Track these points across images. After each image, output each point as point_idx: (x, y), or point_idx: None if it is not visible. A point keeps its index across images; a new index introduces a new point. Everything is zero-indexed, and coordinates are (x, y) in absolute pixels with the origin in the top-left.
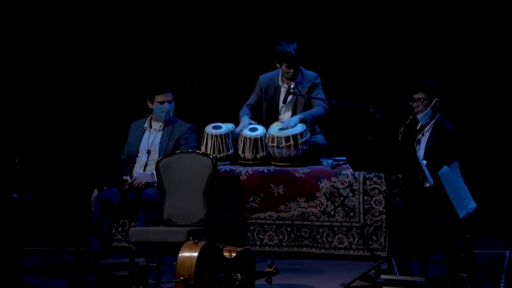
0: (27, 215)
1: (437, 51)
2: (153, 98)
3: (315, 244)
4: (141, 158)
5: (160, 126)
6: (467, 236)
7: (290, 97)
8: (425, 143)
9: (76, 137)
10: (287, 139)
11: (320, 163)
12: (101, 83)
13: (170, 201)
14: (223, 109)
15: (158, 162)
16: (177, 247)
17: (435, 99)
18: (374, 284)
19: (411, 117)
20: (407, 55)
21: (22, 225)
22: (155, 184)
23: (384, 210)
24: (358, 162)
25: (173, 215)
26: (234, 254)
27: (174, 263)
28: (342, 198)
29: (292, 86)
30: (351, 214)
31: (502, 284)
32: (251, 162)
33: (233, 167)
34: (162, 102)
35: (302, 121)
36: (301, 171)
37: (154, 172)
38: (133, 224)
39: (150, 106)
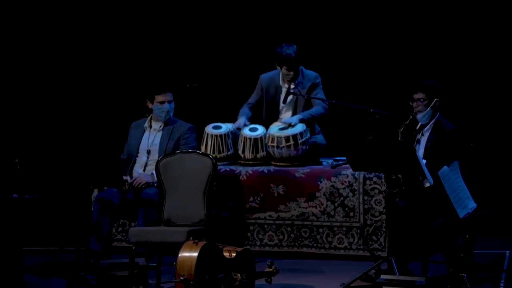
0: (27, 215)
1: (437, 51)
2: (153, 98)
3: (315, 244)
4: (141, 158)
5: (160, 126)
6: (467, 236)
7: (290, 97)
8: (424, 143)
9: (76, 137)
10: (287, 139)
11: (320, 163)
12: (101, 83)
13: (170, 201)
14: (223, 109)
15: (158, 162)
16: (177, 247)
17: (435, 99)
18: (374, 284)
19: (410, 117)
20: (407, 55)
21: (22, 225)
22: (155, 184)
23: (384, 210)
24: (358, 162)
25: (173, 215)
26: (234, 254)
27: (174, 263)
28: (342, 198)
29: (292, 86)
30: (351, 214)
31: (502, 284)
32: (251, 162)
33: (233, 167)
34: (162, 102)
35: (301, 121)
36: (301, 171)
37: (154, 172)
38: (133, 224)
39: (150, 106)
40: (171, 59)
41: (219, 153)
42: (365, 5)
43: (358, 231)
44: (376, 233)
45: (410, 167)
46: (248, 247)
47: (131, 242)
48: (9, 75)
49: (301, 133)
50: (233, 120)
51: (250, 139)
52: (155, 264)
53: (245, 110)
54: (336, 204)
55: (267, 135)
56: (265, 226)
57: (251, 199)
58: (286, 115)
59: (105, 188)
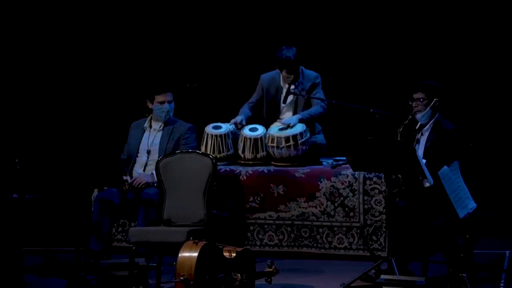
0: (27, 215)
1: (437, 51)
2: (153, 98)
3: (315, 244)
4: (141, 158)
5: (160, 126)
6: (467, 236)
7: (290, 97)
8: (424, 143)
9: (76, 137)
10: (287, 139)
11: (320, 163)
12: (101, 83)
13: (170, 201)
14: (223, 109)
15: (158, 162)
16: (177, 247)
17: (435, 99)
18: (374, 284)
19: (410, 117)
20: (407, 55)
21: (22, 225)
22: (155, 184)
23: (384, 210)
24: (358, 162)
25: (173, 215)
26: (234, 254)
27: (174, 263)
28: (342, 198)
29: (292, 86)
30: (351, 214)
31: (502, 284)
32: (251, 162)
33: (233, 167)
34: (162, 102)
35: (300, 121)
36: (301, 171)
37: (154, 172)
38: (133, 224)
39: (150, 106)
40: (171, 59)
41: (219, 153)
42: (365, 5)
43: (358, 231)
44: (376, 233)
45: (410, 167)
46: (248, 247)
47: (131, 242)
48: (9, 75)
49: (301, 133)
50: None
51: (250, 139)
52: (155, 264)
53: (245, 110)
54: (336, 204)
55: (267, 135)
56: (265, 226)
57: (251, 199)
58: (287, 115)
59: (105, 188)
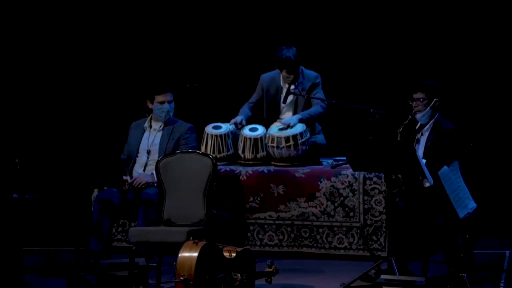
0: (27, 215)
1: (437, 51)
2: (153, 98)
3: (315, 244)
4: (141, 158)
5: (160, 126)
6: (467, 236)
7: (290, 97)
8: (424, 143)
9: (76, 137)
10: (287, 139)
11: (320, 163)
12: (101, 83)
13: (170, 201)
14: (223, 109)
15: (158, 162)
16: (177, 247)
17: (435, 99)
18: (374, 284)
19: (409, 117)
20: (407, 55)
21: (22, 225)
22: (155, 184)
23: (384, 210)
24: (358, 162)
25: (173, 215)
26: (234, 254)
27: (174, 263)
28: (342, 198)
29: (292, 86)
30: (351, 214)
31: (502, 284)
32: (251, 162)
33: (233, 167)
34: (162, 102)
35: (300, 121)
36: (301, 171)
37: (154, 172)
38: (133, 224)
39: (150, 106)
40: (171, 59)
41: (219, 153)
42: (365, 5)
43: (358, 231)
44: (376, 233)
45: (410, 167)
46: (248, 247)
47: (131, 242)
48: (9, 75)
49: (301, 133)
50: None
51: (250, 139)
52: (155, 264)
53: (245, 110)
54: (336, 204)
55: (267, 135)
56: (265, 226)
57: (251, 199)
58: (287, 115)
59: (105, 188)
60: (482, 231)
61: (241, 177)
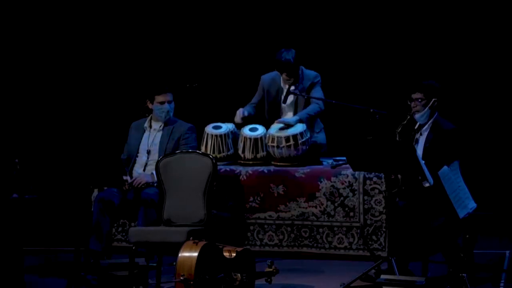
0: (27, 215)
1: (436, 51)
2: (153, 98)
3: (315, 244)
4: (141, 158)
5: (160, 126)
6: (467, 236)
7: (291, 98)
8: (423, 143)
9: (76, 137)
10: (287, 139)
11: (320, 163)
12: (101, 83)
13: (170, 201)
14: (223, 109)
15: (158, 162)
16: (177, 247)
17: (433, 99)
18: (374, 284)
19: (408, 117)
20: (407, 55)
21: (22, 225)
22: (155, 184)
23: (384, 210)
24: (358, 162)
25: (173, 215)
26: (234, 254)
27: (174, 263)
28: (342, 198)
29: (292, 87)
30: (351, 214)
31: (502, 284)
32: (251, 162)
33: (233, 167)
34: (162, 103)
35: (299, 121)
36: (301, 171)
37: (154, 172)
38: (133, 224)
39: (150, 106)
40: (171, 59)
41: (219, 153)
42: (364, 5)
43: (358, 231)
44: (376, 233)
45: (410, 167)
46: (248, 247)
47: (131, 242)
48: (9, 75)
49: (301, 133)
50: (233, 120)
51: (250, 139)
52: (155, 264)
53: (248, 108)
54: (336, 204)
55: (267, 135)
56: (265, 226)
57: (251, 199)
58: (288, 115)
59: (105, 188)
60: (482, 231)
61: (241, 177)
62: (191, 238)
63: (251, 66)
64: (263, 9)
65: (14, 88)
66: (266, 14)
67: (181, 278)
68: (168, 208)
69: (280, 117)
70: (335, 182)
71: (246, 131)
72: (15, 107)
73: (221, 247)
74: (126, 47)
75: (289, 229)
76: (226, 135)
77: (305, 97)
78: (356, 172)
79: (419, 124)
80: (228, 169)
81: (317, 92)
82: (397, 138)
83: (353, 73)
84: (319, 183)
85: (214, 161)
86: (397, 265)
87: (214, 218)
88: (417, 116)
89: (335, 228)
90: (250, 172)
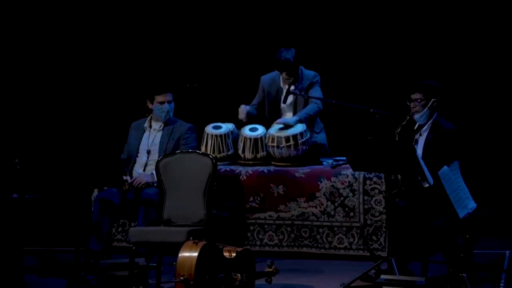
0: (27, 215)
1: (436, 51)
2: (153, 98)
3: (315, 244)
4: (141, 158)
5: (160, 126)
6: (467, 236)
7: (290, 98)
8: (423, 143)
9: (76, 137)
10: (287, 139)
11: (320, 163)
12: (101, 83)
13: (170, 201)
14: (223, 109)
15: (158, 162)
16: (177, 247)
17: (433, 100)
18: (374, 284)
19: (407, 117)
20: (407, 55)
21: (22, 225)
22: (155, 184)
23: (384, 210)
24: (358, 162)
25: (173, 215)
26: (234, 254)
27: (174, 263)
28: (342, 198)
29: (292, 87)
30: (351, 214)
31: (502, 284)
32: (251, 162)
33: (233, 167)
34: (162, 103)
35: (299, 121)
36: (301, 171)
37: (154, 172)
38: (133, 224)
39: (150, 106)
40: (171, 59)
41: (219, 153)
42: (364, 5)
43: (358, 231)
44: (376, 233)
45: (410, 167)
46: (248, 247)
47: (131, 242)
48: (9, 75)
49: (301, 133)
50: (233, 120)
51: (250, 139)
52: (155, 264)
53: (249, 108)
54: (336, 204)
55: (267, 135)
56: (265, 226)
57: (251, 199)
58: (287, 115)
59: (105, 188)
60: (482, 231)
61: (241, 177)
62: (191, 238)
63: (251, 66)
64: (263, 9)
65: (14, 88)
66: (266, 14)
67: (181, 278)
68: (168, 208)
69: (280, 117)
70: (335, 182)
71: (246, 131)
72: (15, 107)
73: (221, 247)
74: (126, 47)
75: (289, 229)
76: (226, 135)
77: (305, 97)
78: (356, 172)
79: (419, 125)
80: (228, 169)
81: (316, 92)
82: (397, 139)
83: (353, 73)
84: (319, 183)
85: (214, 161)
86: (397, 265)
87: (214, 218)
88: (416, 116)
89: (335, 228)
90: (250, 172)
